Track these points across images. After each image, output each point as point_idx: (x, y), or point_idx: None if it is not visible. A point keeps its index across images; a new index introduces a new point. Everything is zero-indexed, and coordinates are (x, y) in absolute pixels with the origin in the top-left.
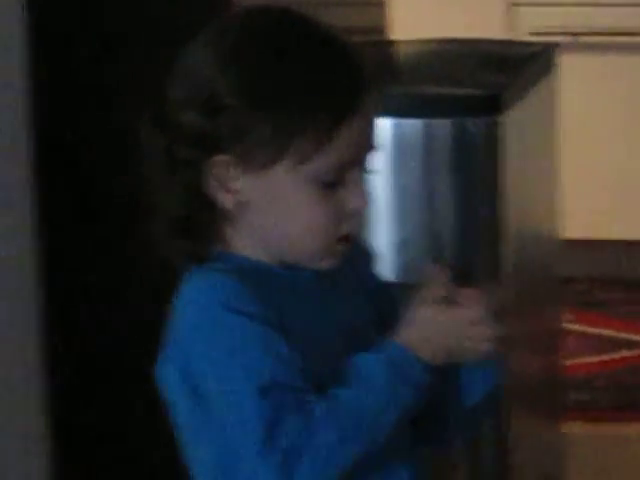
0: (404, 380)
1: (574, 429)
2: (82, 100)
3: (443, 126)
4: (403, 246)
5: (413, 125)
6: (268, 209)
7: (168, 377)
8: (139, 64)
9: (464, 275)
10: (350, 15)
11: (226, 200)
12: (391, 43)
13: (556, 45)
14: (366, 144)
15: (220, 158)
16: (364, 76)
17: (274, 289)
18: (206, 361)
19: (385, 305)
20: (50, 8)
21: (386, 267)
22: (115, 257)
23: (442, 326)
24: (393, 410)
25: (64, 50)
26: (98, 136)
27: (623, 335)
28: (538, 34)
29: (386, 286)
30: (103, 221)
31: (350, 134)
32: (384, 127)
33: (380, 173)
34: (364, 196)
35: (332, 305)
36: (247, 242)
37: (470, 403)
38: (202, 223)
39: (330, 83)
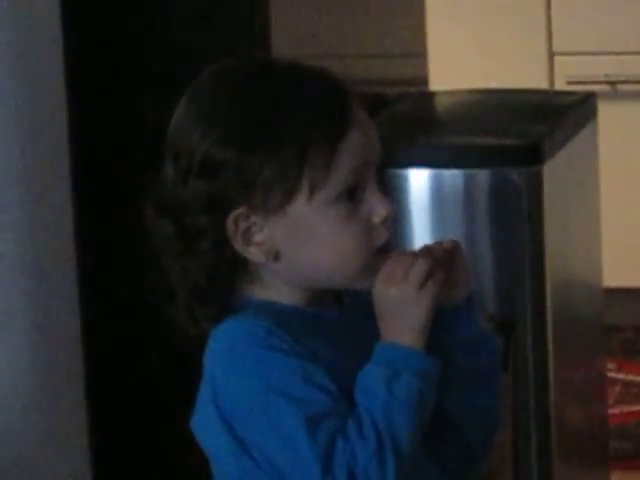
0: (397, 373)
1: (617, 478)
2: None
3: (484, 176)
4: None
5: (454, 176)
6: (299, 248)
7: (208, 430)
8: None
9: (508, 326)
10: (391, 67)
11: (254, 254)
12: (432, 94)
13: (593, 94)
14: (370, 151)
15: (237, 212)
16: (345, 92)
17: (302, 330)
18: (246, 403)
19: None
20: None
21: None
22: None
23: (398, 299)
24: (403, 405)
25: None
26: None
27: None
28: (576, 83)
29: None
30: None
31: (352, 147)
32: (425, 178)
33: (420, 224)
34: (386, 203)
35: (362, 342)
36: (275, 288)
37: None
38: (226, 286)
39: (316, 107)
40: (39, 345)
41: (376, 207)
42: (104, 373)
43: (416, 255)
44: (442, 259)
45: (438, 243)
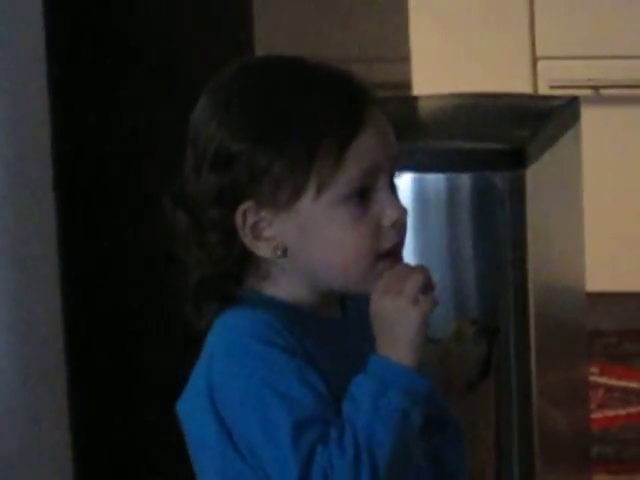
0: (385, 388)
1: None
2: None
3: (467, 180)
4: None
5: (437, 180)
6: (306, 246)
7: (196, 415)
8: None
9: (491, 330)
10: (374, 71)
11: (262, 249)
12: (415, 98)
13: (576, 98)
14: (383, 154)
15: (245, 206)
16: (362, 92)
17: (303, 329)
18: (239, 393)
19: None
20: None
21: None
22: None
23: (390, 311)
24: (386, 422)
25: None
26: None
27: None
28: (559, 87)
29: None
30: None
31: (362, 148)
32: (407, 182)
33: None
34: (397, 206)
35: (360, 350)
36: (283, 284)
37: None
38: (233, 281)
39: (330, 106)
40: (20, 345)
41: (387, 210)
42: (87, 372)
43: (414, 269)
44: None
45: None
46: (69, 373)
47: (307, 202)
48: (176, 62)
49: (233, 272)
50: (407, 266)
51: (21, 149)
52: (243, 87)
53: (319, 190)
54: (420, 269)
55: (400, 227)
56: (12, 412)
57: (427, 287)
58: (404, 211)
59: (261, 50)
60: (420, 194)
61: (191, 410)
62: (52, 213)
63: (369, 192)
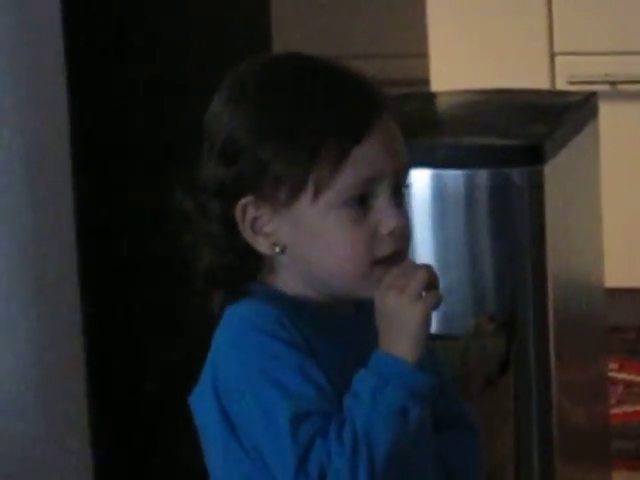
0: (384, 384)
1: (619, 478)
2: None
3: (485, 176)
4: (445, 297)
5: (455, 176)
6: (303, 246)
7: (203, 406)
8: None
9: (510, 326)
10: (393, 67)
11: (262, 244)
12: (433, 94)
13: (594, 94)
14: (387, 163)
15: (245, 200)
16: (373, 98)
17: (311, 324)
18: (240, 385)
19: None
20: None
21: None
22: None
23: (394, 307)
24: (384, 416)
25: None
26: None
27: None
28: (577, 83)
29: None
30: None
31: (363, 156)
32: (425, 178)
33: (422, 224)
34: (397, 215)
35: (365, 347)
36: (287, 280)
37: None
38: (237, 273)
39: (338, 109)
40: (40, 345)
41: (385, 218)
42: (106, 374)
43: (418, 266)
44: None
45: None
46: (88, 378)
47: (305, 203)
48: (193, 59)
49: (238, 264)
50: (412, 263)
51: (39, 148)
52: (257, 82)
53: (317, 192)
54: (424, 266)
55: (398, 236)
56: (31, 416)
57: (431, 284)
58: (404, 221)
59: (279, 46)
60: (438, 190)
61: (200, 404)
62: (71, 219)
63: (369, 199)
